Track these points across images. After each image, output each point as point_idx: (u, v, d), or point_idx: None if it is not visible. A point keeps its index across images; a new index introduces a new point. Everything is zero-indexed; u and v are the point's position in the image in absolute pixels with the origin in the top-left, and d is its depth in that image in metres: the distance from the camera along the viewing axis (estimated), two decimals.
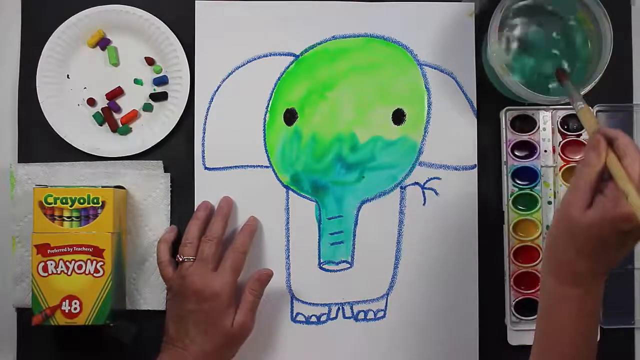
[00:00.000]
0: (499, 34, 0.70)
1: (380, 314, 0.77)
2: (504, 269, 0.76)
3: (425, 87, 0.77)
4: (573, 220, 0.55)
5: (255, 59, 0.77)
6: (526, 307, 0.76)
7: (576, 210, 0.55)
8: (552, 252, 0.59)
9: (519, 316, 0.76)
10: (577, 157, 0.76)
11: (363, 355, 0.77)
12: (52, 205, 0.71)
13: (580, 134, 0.77)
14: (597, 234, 0.54)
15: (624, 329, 0.77)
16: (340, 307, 0.77)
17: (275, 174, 0.77)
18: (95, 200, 0.71)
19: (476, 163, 0.77)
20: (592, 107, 0.76)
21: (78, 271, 0.70)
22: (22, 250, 0.75)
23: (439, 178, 0.77)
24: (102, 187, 0.72)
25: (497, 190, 0.77)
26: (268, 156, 0.77)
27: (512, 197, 0.76)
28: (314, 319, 0.77)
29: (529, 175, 0.76)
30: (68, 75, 0.77)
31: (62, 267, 0.70)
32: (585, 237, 0.55)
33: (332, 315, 0.77)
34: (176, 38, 0.76)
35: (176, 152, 0.77)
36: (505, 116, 0.77)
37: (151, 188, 0.76)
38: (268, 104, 0.77)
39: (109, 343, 0.75)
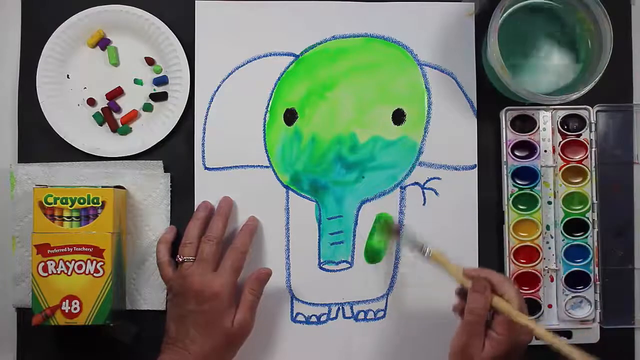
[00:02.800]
0: (499, 34, 0.70)
1: (380, 314, 0.77)
2: (504, 269, 0.76)
3: (425, 87, 0.77)
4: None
5: (255, 59, 0.77)
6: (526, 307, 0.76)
7: (474, 350, 0.61)
8: None
9: None
10: (577, 157, 0.76)
11: (363, 355, 0.77)
12: (52, 205, 0.71)
13: (580, 134, 0.77)
14: None
15: (624, 329, 0.78)
16: (340, 307, 0.77)
17: (275, 174, 0.77)
18: (95, 200, 0.71)
19: (476, 163, 0.77)
20: (592, 107, 0.76)
21: (78, 271, 0.70)
22: (22, 250, 0.75)
23: (439, 178, 0.77)
24: (102, 187, 0.72)
25: (497, 190, 0.77)
26: (268, 156, 0.77)
27: (512, 197, 0.76)
28: (314, 319, 0.77)
29: (529, 175, 0.76)
30: (68, 75, 0.77)
31: (62, 267, 0.70)
32: None
33: (332, 315, 0.77)
34: (176, 38, 0.76)
35: (176, 152, 0.77)
36: (505, 116, 0.77)
37: (151, 188, 0.76)
38: (268, 104, 0.77)
39: (109, 343, 0.76)
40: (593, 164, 0.77)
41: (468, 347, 0.62)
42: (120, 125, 0.77)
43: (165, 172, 0.76)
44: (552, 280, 0.77)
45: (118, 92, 0.77)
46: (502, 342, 0.61)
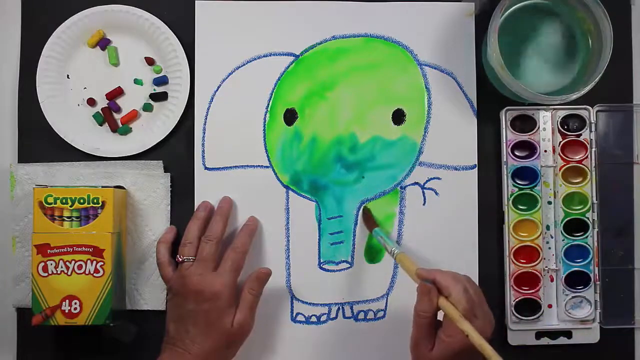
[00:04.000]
0: (499, 34, 0.70)
1: (380, 314, 0.77)
2: (504, 269, 0.76)
3: (425, 87, 0.77)
4: (423, 358, 0.63)
5: (255, 59, 0.77)
6: (526, 307, 0.76)
7: (424, 349, 0.62)
8: None
9: (519, 316, 0.76)
10: (577, 157, 0.76)
11: (363, 355, 0.77)
12: (52, 205, 0.71)
13: (580, 134, 0.77)
14: None
15: (624, 329, 0.78)
16: (340, 307, 0.77)
17: (275, 174, 0.77)
18: (95, 200, 0.71)
19: (476, 163, 0.77)
20: (592, 107, 0.76)
21: (78, 271, 0.70)
22: (22, 250, 0.75)
23: (439, 178, 0.77)
24: (102, 187, 0.72)
25: (497, 190, 0.77)
26: (268, 156, 0.77)
27: (512, 197, 0.76)
28: (314, 319, 0.77)
29: (529, 175, 0.76)
30: (68, 75, 0.77)
31: (62, 267, 0.70)
32: None
33: (332, 315, 0.77)
34: (176, 38, 0.76)
35: (176, 152, 0.77)
36: (505, 116, 0.77)
37: (151, 188, 0.76)
38: (268, 104, 0.77)
39: (109, 343, 0.76)
40: (593, 164, 0.77)
41: (418, 345, 0.63)
42: (120, 125, 0.77)
43: (165, 172, 0.76)
44: (552, 280, 0.77)
45: (118, 92, 0.77)
46: (449, 344, 0.61)
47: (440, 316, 0.64)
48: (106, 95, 0.77)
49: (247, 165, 0.77)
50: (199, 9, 0.77)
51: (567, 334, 0.77)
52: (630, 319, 0.77)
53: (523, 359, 0.77)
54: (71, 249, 0.70)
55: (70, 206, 0.71)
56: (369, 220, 0.75)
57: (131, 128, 0.77)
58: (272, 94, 0.77)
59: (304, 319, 0.77)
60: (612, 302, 0.77)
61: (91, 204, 0.71)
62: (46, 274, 0.70)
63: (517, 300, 0.76)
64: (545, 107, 0.76)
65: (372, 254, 0.77)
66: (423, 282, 0.64)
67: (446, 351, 0.61)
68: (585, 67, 0.73)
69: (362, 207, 0.76)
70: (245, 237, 0.74)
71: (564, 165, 0.76)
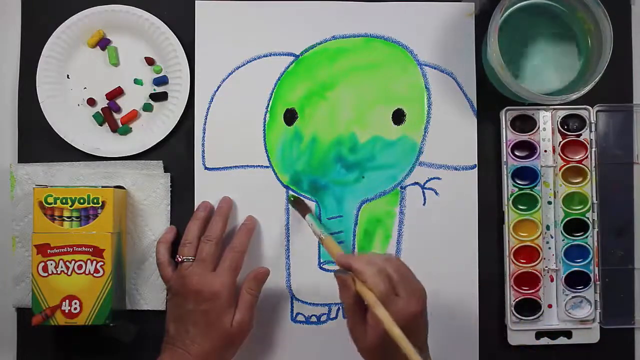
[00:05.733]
0: (499, 34, 0.70)
1: None
2: (504, 269, 0.76)
3: (425, 87, 0.77)
4: (361, 345, 0.62)
5: (255, 59, 0.77)
6: (526, 307, 0.76)
7: (359, 335, 0.62)
8: None
9: (519, 316, 0.76)
10: (577, 157, 0.76)
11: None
12: (52, 205, 0.71)
13: (580, 134, 0.77)
14: (385, 350, 0.60)
15: (624, 329, 0.78)
16: (340, 307, 0.77)
17: (275, 174, 0.77)
18: (95, 200, 0.71)
19: (476, 163, 0.77)
20: (592, 107, 0.76)
21: (78, 271, 0.70)
22: (22, 250, 0.75)
23: (439, 178, 0.77)
24: (102, 187, 0.72)
25: (497, 190, 0.77)
26: (268, 156, 0.77)
27: (512, 197, 0.76)
28: (314, 319, 0.77)
29: (529, 175, 0.76)
30: (68, 75, 0.77)
31: (62, 267, 0.70)
32: (377, 356, 0.62)
33: (332, 315, 0.77)
34: (176, 38, 0.76)
35: (176, 152, 0.77)
36: (505, 116, 0.77)
37: (151, 188, 0.76)
38: (268, 104, 0.77)
39: (109, 343, 0.76)
40: (593, 164, 0.77)
41: (354, 332, 0.63)
42: (120, 125, 0.77)
43: (165, 172, 0.76)
44: (552, 280, 0.77)
45: (118, 92, 0.77)
46: (377, 327, 0.59)
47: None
48: (106, 95, 0.77)
49: (247, 165, 0.77)
50: (199, 9, 0.77)
51: (567, 334, 0.77)
52: (630, 319, 0.77)
53: (523, 359, 0.77)
54: (71, 249, 0.70)
55: (70, 206, 0.71)
56: (301, 206, 0.74)
57: (131, 128, 0.77)
58: (272, 94, 0.77)
59: (304, 319, 0.77)
60: (612, 302, 0.77)
61: (91, 204, 0.71)
62: (46, 274, 0.70)
63: (517, 300, 0.76)
64: (545, 107, 0.76)
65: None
66: (338, 272, 0.63)
67: (377, 334, 0.60)
68: (585, 67, 0.73)
69: (289, 197, 0.76)
70: (243, 237, 0.74)
71: (564, 165, 0.76)
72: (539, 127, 0.77)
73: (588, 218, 0.76)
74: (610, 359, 0.78)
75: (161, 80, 0.77)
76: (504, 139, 0.76)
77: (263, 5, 0.77)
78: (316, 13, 0.77)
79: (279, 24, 0.77)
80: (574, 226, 0.76)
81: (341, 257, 0.65)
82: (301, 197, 0.76)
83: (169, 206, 0.76)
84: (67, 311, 0.70)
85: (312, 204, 0.76)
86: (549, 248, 0.76)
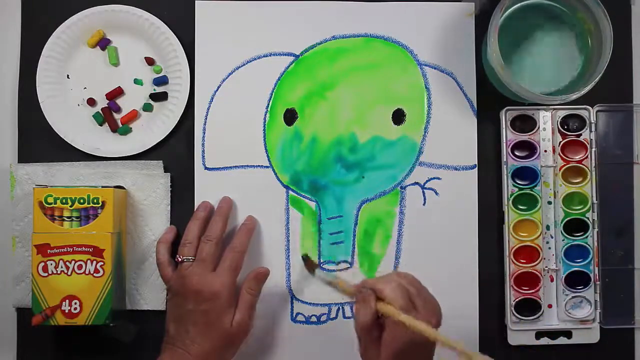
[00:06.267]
0: (499, 34, 0.70)
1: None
2: (504, 269, 0.76)
3: (425, 87, 0.77)
4: None
5: (255, 59, 0.77)
6: (526, 307, 0.76)
7: (371, 356, 0.62)
8: None
9: (519, 316, 0.76)
10: (577, 157, 0.76)
11: None
12: (52, 205, 0.71)
13: (580, 134, 0.77)
14: None
15: (624, 329, 0.78)
16: (340, 307, 0.77)
17: (275, 174, 0.77)
18: (95, 200, 0.71)
19: (476, 163, 0.77)
20: (592, 107, 0.76)
21: (78, 271, 0.70)
22: (22, 250, 0.75)
23: (439, 178, 0.77)
24: (102, 187, 0.72)
25: (497, 190, 0.77)
26: (268, 156, 0.77)
27: (512, 197, 0.76)
28: (314, 319, 0.77)
29: (529, 175, 0.76)
30: (68, 75, 0.77)
31: (62, 267, 0.70)
32: None
33: (332, 315, 0.77)
34: (176, 38, 0.76)
35: (176, 152, 0.77)
36: (505, 116, 0.77)
37: (151, 188, 0.76)
38: (268, 104, 0.77)
39: (109, 343, 0.76)
40: (593, 164, 0.77)
41: (366, 353, 0.62)
42: (120, 125, 0.77)
43: (165, 172, 0.76)
44: (552, 280, 0.77)
45: (118, 92, 0.77)
46: (394, 344, 0.60)
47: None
48: (106, 95, 0.77)
49: (247, 165, 0.77)
50: (199, 9, 0.77)
51: (567, 334, 0.77)
52: (630, 319, 0.77)
53: (523, 359, 0.77)
54: (71, 249, 0.70)
55: (70, 206, 0.71)
56: (309, 264, 0.74)
57: (131, 128, 0.77)
58: (272, 94, 0.77)
59: (304, 319, 0.77)
60: (612, 302, 0.77)
61: (91, 204, 0.71)
62: (46, 274, 0.70)
63: (517, 300, 0.76)
64: (545, 107, 0.76)
65: (371, 261, 0.77)
66: (362, 289, 0.63)
67: (392, 352, 0.60)
68: (585, 67, 0.73)
69: (302, 256, 0.75)
70: (243, 237, 0.74)
71: (564, 165, 0.76)
72: (539, 127, 0.77)
73: (588, 218, 0.76)
74: (610, 359, 0.78)
75: (161, 80, 0.77)
76: (504, 139, 0.76)
77: (263, 5, 0.77)
78: (316, 13, 0.77)
79: (279, 24, 0.77)
80: (574, 226, 0.76)
81: (357, 285, 0.64)
82: (309, 257, 0.75)
83: (169, 206, 0.76)
84: (67, 311, 0.70)
85: (312, 204, 0.76)
86: (549, 248, 0.77)
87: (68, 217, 0.71)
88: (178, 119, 0.76)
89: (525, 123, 0.77)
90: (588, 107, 0.76)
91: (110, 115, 0.77)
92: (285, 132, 0.77)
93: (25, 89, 0.76)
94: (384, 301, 0.60)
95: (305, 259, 0.74)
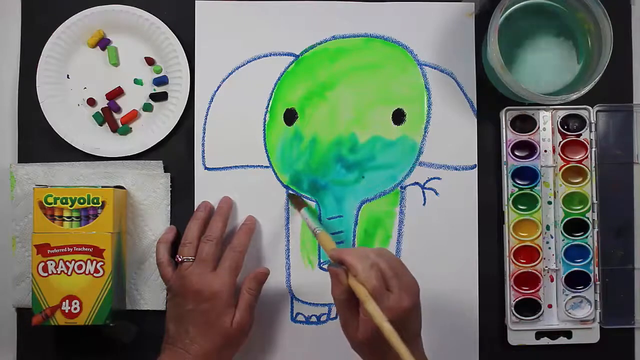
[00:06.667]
0: (499, 34, 0.70)
1: None
2: (504, 269, 0.76)
3: (425, 87, 0.77)
4: (354, 340, 0.62)
5: (255, 59, 0.77)
6: (526, 307, 0.76)
7: (351, 330, 0.62)
8: None
9: (519, 316, 0.76)
10: (577, 157, 0.76)
11: None
12: (52, 205, 0.71)
13: (580, 134, 0.77)
14: (378, 343, 0.60)
15: (624, 329, 0.78)
16: None
17: (275, 174, 0.77)
18: (95, 200, 0.71)
19: (476, 163, 0.77)
20: (592, 107, 0.76)
21: (78, 271, 0.70)
22: (22, 250, 0.75)
23: (439, 178, 0.77)
24: (102, 187, 0.72)
25: (497, 190, 0.77)
26: (268, 156, 0.77)
27: (512, 197, 0.76)
28: (314, 319, 0.77)
29: (529, 175, 0.76)
30: (68, 75, 0.77)
31: (62, 267, 0.70)
32: (370, 351, 0.62)
33: (332, 315, 0.77)
34: (176, 38, 0.76)
35: (176, 152, 0.77)
36: (505, 116, 0.77)
37: (151, 188, 0.76)
38: (268, 104, 0.77)
39: (109, 343, 0.76)
40: (593, 164, 0.77)
41: (346, 328, 0.63)
42: (120, 125, 0.77)
43: (165, 172, 0.76)
44: (552, 280, 0.77)
45: (118, 92, 0.77)
46: (369, 322, 0.59)
47: None
48: (106, 95, 0.77)
49: (247, 165, 0.77)
50: (199, 9, 0.77)
51: (567, 334, 0.77)
52: (630, 319, 0.77)
53: (523, 359, 0.77)
54: (71, 249, 0.70)
55: (70, 206, 0.71)
56: (296, 200, 0.74)
57: (131, 128, 0.77)
58: (272, 94, 0.77)
59: (304, 319, 0.77)
60: (612, 302, 0.77)
61: (91, 204, 0.71)
62: (46, 274, 0.70)
63: (517, 300, 0.76)
64: (545, 107, 0.76)
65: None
66: (331, 266, 0.63)
67: (369, 328, 0.60)
68: (585, 67, 0.73)
69: (287, 194, 0.76)
70: (243, 237, 0.74)
71: (564, 165, 0.76)
72: (539, 127, 0.77)
73: (588, 218, 0.76)
74: (610, 359, 0.78)
75: (161, 80, 0.77)
76: (504, 139, 0.76)
77: (263, 5, 0.77)
78: (316, 13, 0.77)
79: (279, 24, 0.77)
80: (574, 226, 0.76)
81: (334, 251, 0.65)
82: (297, 194, 0.76)
83: (169, 206, 0.76)
84: (67, 311, 0.70)
85: (312, 204, 0.76)
86: (549, 248, 0.77)
87: (68, 217, 0.71)
88: (178, 119, 0.76)
89: (525, 123, 0.77)
90: (588, 107, 0.76)
91: (110, 115, 0.77)
92: (285, 132, 0.77)
93: (25, 89, 0.76)
94: (356, 278, 0.60)
95: (292, 196, 0.75)
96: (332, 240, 0.68)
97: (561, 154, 0.76)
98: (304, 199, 0.76)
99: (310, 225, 0.71)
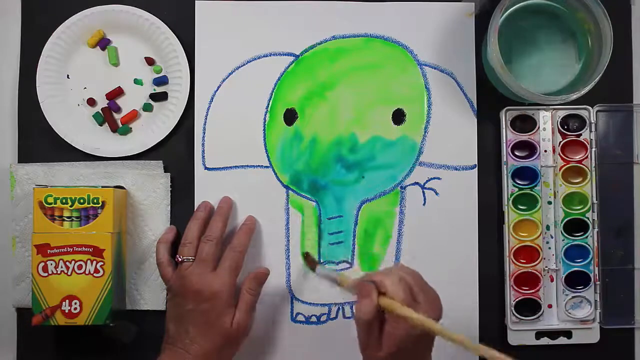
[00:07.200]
0: (499, 34, 0.70)
1: None
2: (504, 269, 0.76)
3: (425, 87, 0.77)
4: (376, 358, 0.61)
5: (255, 59, 0.77)
6: (526, 307, 0.76)
7: (373, 350, 0.61)
8: None
9: (519, 316, 0.76)
10: (577, 157, 0.76)
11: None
12: (52, 205, 0.71)
13: (580, 134, 0.77)
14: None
15: (624, 329, 0.78)
16: (340, 307, 0.77)
17: (275, 174, 0.77)
18: (95, 200, 0.71)
19: (476, 163, 0.77)
20: (592, 107, 0.76)
21: (78, 271, 0.70)
22: (22, 250, 0.75)
23: (439, 178, 0.77)
24: (102, 187, 0.72)
25: (497, 190, 0.77)
26: (268, 156, 0.77)
27: (512, 197, 0.76)
28: (314, 319, 0.77)
29: (529, 175, 0.76)
30: (68, 75, 0.77)
31: (62, 267, 0.70)
32: None
33: (332, 315, 0.77)
34: (176, 38, 0.76)
35: (176, 152, 0.77)
36: (505, 116, 0.77)
37: (151, 188, 0.76)
38: (268, 104, 0.77)
39: (109, 343, 0.76)
40: (593, 164, 0.77)
41: (367, 347, 0.62)
42: (120, 125, 0.77)
43: (165, 172, 0.76)
44: (552, 280, 0.77)
45: (118, 92, 0.77)
46: (395, 337, 0.60)
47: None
48: (106, 95, 0.77)
49: (247, 165, 0.77)
50: (199, 9, 0.77)
51: (567, 334, 0.77)
52: (630, 319, 0.77)
53: (523, 359, 0.77)
54: (71, 249, 0.70)
55: (70, 206, 0.71)
56: (310, 261, 0.74)
57: (131, 128, 0.77)
58: (272, 94, 0.77)
59: (304, 319, 0.77)
60: (612, 302, 0.77)
61: (91, 204, 0.71)
62: (46, 274, 0.70)
63: (517, 300, 0.76)
64: (545, 107, 0.76)
65: (372, 261, 0.77)
66: (363, 283, 0.62)
67: (394, 345, 0.60)
68: (585, 67, 0.73)
69: (303, 254, 0.76)
70: (243, 237, 0.74)
71: (564, 165, 0.76)
72: (539, 127, 0.77)
73: (588, 218, 0.76)
74: (610, 359, 0.78)
75: (161, 80, 0.77)
76: (504, 139, 0.76)
77: (263, 5, 0.77)
78: (316, 13, 0.77)
79: (279, 24, 0.77)
80: (574, 226, 0.76)
81: (362, 277, 0.64)
82: (310, 254, 0.75)
83: (169, 206, 0.76)
84: (67, 311, 0.70)
85: (312, 204, 0.76)
86: (549, 248, 0.77)
87: (68, 217, 0.71)
88: (178, 119, 0.76)
89: (525, 123, 0.77)
90: (588, 107, 0.76)
91: (110, 115, 0.77)
92: (285, 132, 0.77)
93: (25, 89, 0.76)
94: (386, 295, 0.60)
95: (306, 256, 0.75)
96: (349, 276, 0.67)
97: (561, 154, 0.76)
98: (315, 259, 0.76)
99: (332, 277, 0.69)
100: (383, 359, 0.61)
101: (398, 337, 0.60)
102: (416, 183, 0.77)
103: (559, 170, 0.76)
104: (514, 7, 0.73)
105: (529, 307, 0.76)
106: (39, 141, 0.76)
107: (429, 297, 0.62)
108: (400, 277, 0.61)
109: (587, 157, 0.76)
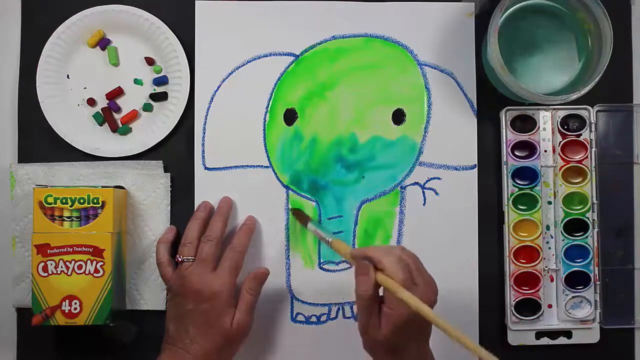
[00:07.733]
0: (499, 34, 0.70)
1: None
2: (504, 269, 0.76)
3: (425, 87, 0.77)
4: (374, 339, 0.62)
5: (255, 59, 0.77)
6: (526, 307, 0.76)
7: (372, 330, 0.62)
8: None
9: (519, 316, 0.76)
10: (577, 157, 0.76)
11: (363, 356, 0.76)
12: (52, 205, 0.71)
13: (580, 134, 0.77)
14: (396, 342, 0.61)
15: (624, 329, 0.78)
16: (340, 307, 0.77)
17: (275, 174, 0.77)
18: (95, 200, 0.71)
19: (476, 163, 0.77)
20: (592, 107, 0.76)
21: (78, 271, 0.70)
22: (22, 250, 0.75)
23: (439, 178, 0.77)
24: (102, 187, 0.72)
25: (497, 190, 0.77)
26: (268, 156, 0.77)
27: (512, 197, 0.76)
28: (314, 319, 0.77)
29: (529, 175, 0.76)
30: (68, 75, 0.77)
31: (62, 267, 0.70)
32: (387, 349, 0.62)
33: (332, 315, 0.77)
34: (176, 38, 0.76)
35: (176, 152, 0.77)
36: (505, 116, 0.77)
37: (151, 188, 0.76)
38: (268, 104, 0.77)
39: (109, 343, 0.76)
40: (593, 164, 0.77)
41: (367, 327, 0.62)
42: (120, 125, 0.77)
43: (165, 172, 0.76)
44: (552, 280, 0.77)
45: (118, 92, 0.77)
46: (394, 316, 0.60)
47: (381, 292, 0.63)
48: (106, 95, 0.77)
49: (247, 165, 0.77)
50: (199, 9, 0.77)
51: (567, 334, 0.77)
52: (630, 319, 0.77)
53: (523, 359, 0.77)
54: (71, 249, 0.70)
55: (70, 206, 0.71)
56: (301, 216, 0.75)
57: (131, 128, 0.77)
58: (272, 94, 0.77)
59: (304, 319, 0.77)
60: (612, 302, 0.77)
61: (91, 204, 0.71)
62: (46, 274, 0.70)
63: (517, 300, 0.76)
64: (545, 107, 0.76)
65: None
66: (360, 261, 0.62)
67: (393, 325, 0.60)
68: (586, 67, 0.73)
69: (290, 209, 0.76)
70: (243, 237, 0.74)
71: (564, 165, 0.76)
72: (539, 127, 0.77)
73: (588, 218, 0.76)
74: (610, 359, 0.78)
75: (161, 80, 0.77)
76: (504, 139, 0.76)
77: (263, 5, 0.77)
78: (316, 13, 0.77)
79: (279, 24, 0.77)
80: (574, 226, 0.76)
81: (356, 250, 0.65)
82: (298, 209, 0.76)
83: (169, 206, 0.76)
84: (67, 311, 0.70)
85: (312, 204, 0.76)
86: (549, 248, 0.77)
87: (68, 217, 0.71)
88: (178, 119, 0.76)
89: (525, 123, 0.77)
90: (588, 107, 0.76)
91: (110, 115, 0.77)
92: (285, 132, 0.77)
93: (25, 89, 0.76)
94: (384, 273, 0.60)
95: (296, 211, 0.75)
96: (346, 244, 0.68)
97: (561, 154, 0.76)
98: (305, 213, 0.76)
99: (322, 236, 0.71)
100: (382, 343, 0.61)
101: (395, 317, 0.60)
102: (416, 183, 0.77)
103: (559, 170, 0.76)
104: (514, 7, 0.73)
105: (529, 307, 0.76)
106: (39, 141, 0.76)
107: (426, 281, 0.62)
108: (399, 256, 0.62)
109: (587, 157, 0.76)
